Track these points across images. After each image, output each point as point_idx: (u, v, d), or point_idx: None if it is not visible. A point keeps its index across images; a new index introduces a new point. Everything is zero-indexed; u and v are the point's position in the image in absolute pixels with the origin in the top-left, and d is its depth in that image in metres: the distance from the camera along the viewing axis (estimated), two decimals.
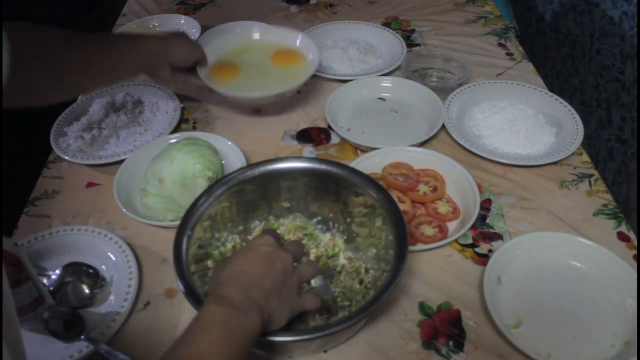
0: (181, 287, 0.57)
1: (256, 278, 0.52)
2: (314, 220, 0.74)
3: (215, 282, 0.53)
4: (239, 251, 0.57)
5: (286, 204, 0.73)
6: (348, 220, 0.71)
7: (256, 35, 1.05)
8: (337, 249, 0.72)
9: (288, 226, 0.74)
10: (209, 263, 0.67)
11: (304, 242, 0.72)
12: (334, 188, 0.69)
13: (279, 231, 0.73)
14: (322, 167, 0.69)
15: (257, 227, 0.73)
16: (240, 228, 0.72)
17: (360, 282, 0.67)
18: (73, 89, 0.79)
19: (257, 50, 1.03)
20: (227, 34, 1.08)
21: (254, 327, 0.49)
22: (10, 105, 0.60)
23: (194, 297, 0.56)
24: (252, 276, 0.52)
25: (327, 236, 0.73)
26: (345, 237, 0.72)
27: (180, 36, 0.92)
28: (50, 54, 0.69)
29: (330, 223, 0.73)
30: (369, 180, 0.67)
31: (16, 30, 0.59)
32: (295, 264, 0.58)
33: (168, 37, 0.88)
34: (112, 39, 0.86)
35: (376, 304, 0.55)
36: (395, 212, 0.63)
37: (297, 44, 1.02)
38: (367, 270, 0.68)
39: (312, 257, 0.71)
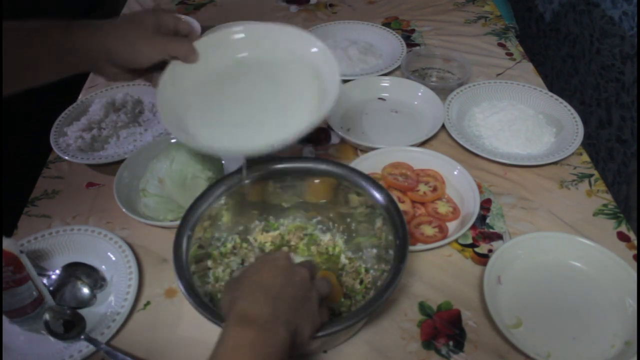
0: (181, 287, 0.57)
1: (279, 289, 0.48)
2: (314, 220, 0.74)
3: (231, 297, 0.49)
4: (253, 264, 0.53)
5: (286, 204, 0.73)
6: (348, 220, 0.71)
7: None
8: (337, 249, 0.72)
9: (288, 226, 0.74)
10: (209, 263, 0.67)
11: (304, 241, 0.72)
12: (334, 188, 0.69)
13: (278, 231, 0.73)
14: (322, 167, 0.69)
15: (257, 227, 0.73)
16: (240, 228, 0.72)
17: (361, 282, 0.67)
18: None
19: None
20: None
21: (284, 345, 0.45)
22: None
23: (194, 297, 0.56)
24: (274, 287, 0.48)
25: (327, 236, 0.73)
26: (345, 237, 0.72)
27: (136, 23, 0.64)
28: None
29: (330, 223, 0.73)
30: (369, 180, 0.67)
31: None
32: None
33: (117, 26, 0.65)
34: (48, 29, 0.64)
35: (376, 304, 0.55)
36: (395, 212, 0.63)
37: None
38: (367, 270, 0.68)
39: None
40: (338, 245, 0.72)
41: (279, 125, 0.61)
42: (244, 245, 0.71)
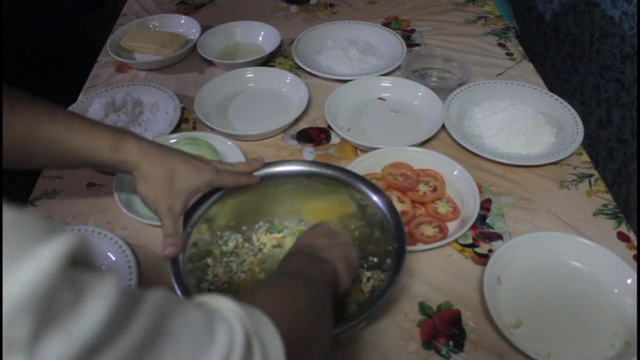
0: (178, 291, 0.57)
1: (323, 247, 0.59)
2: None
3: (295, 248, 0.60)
4: (305, 233, 0.64)
5: (288, 207, 0.73)
6: (352, 227, 0.71)
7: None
8: None
9: (292, 230, 0.73)
10: (209, 261, 0.67)
11: None
12: (333, 190, 0.69)
13: (282, 234, 0.73)
14: (324, 171, 0.68)
15: (260, 227, 0.72)
16: (244, 228, 0.72)
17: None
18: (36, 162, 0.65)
19: None
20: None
21: (330, 274, 0.55)
22: None
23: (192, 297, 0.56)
24: (319, 245, 0.59)
25: None
26: None
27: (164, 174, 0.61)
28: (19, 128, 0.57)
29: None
30: (366, 182, 0.66)
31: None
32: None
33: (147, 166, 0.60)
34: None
35: (376, 304, 0.55)
36: (393, 214, 0.63)
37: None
38: (367, 280, 0.68)
39: None
40: None
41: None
42: (246, 245, 0.71)
